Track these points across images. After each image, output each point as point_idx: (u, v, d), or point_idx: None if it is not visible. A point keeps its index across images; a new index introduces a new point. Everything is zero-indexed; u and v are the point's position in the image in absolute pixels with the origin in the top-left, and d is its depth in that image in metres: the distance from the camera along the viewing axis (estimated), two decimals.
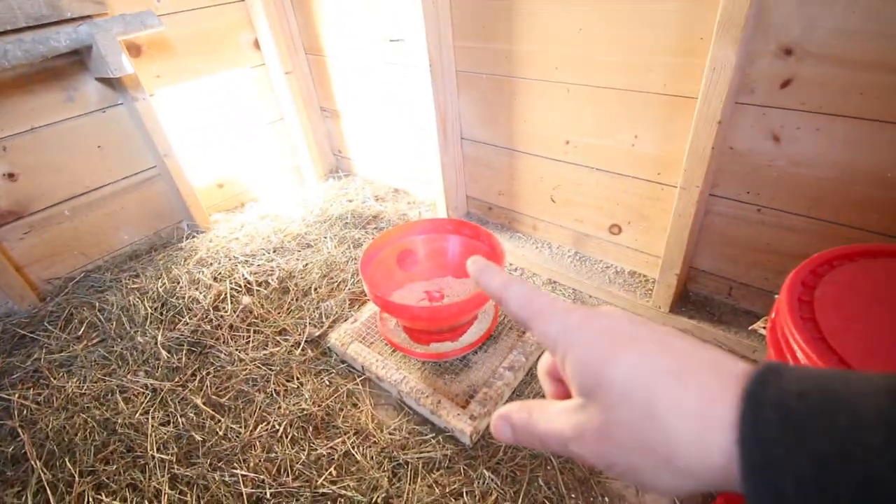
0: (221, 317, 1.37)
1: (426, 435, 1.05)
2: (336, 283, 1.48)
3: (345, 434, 1.05)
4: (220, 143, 1.83)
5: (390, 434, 1.05)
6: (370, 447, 1.03)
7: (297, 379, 1.19)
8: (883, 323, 0.60)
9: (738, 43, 0.87)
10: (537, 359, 1.17)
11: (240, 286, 1.47)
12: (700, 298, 1.24)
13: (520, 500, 0.91)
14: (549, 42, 1.18)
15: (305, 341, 1.28)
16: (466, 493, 0.93)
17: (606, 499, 0.91)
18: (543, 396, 0.29)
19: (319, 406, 1.12)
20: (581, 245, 1.44)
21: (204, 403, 1.13)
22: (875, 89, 0.83)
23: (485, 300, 1.10)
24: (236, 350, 1.27)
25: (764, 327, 0.99)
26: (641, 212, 1.25)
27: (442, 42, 1.35)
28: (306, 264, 1.57)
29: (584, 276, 1.36)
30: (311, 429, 1.07)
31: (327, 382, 1.18)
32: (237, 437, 1.06)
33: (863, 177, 0.91)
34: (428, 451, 1.01)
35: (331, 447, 1.03)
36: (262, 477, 0.98)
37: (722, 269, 1.18)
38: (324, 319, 1.35)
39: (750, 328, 1.12)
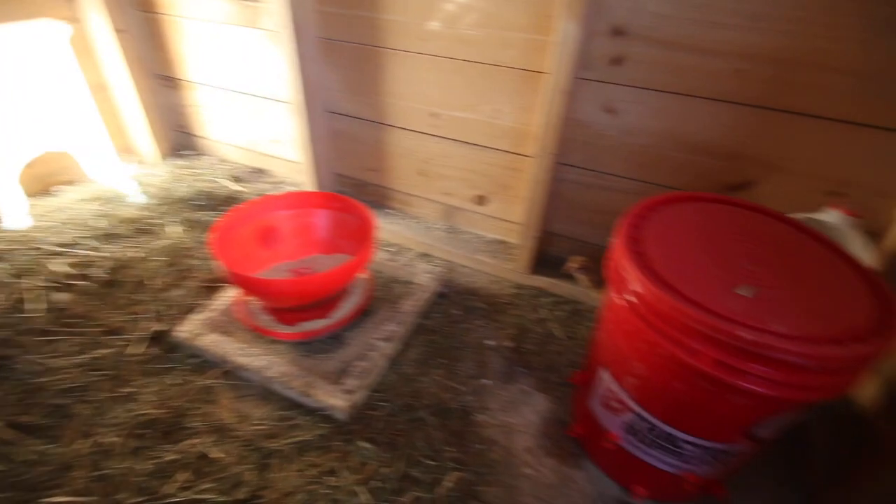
0: (25, 320, 1.12)
1: (297, 419, 0.98)
2: (184, 271, 1.31)
3: (198, 434, 0.93)
4: (23, 114, 1.48)
5: (255, 425, 0.96)
6: (230, 443, 0.92)
7: (133, 382, 1.02)
8: (692, 250, 0.72)
9: (579, 20, 0.96)
10: (412, 326, 1.17)
11: (53, 282, 1.21)
12: (555, 259, 1.36)
13: (398, 464, 0.90)
14: (414, 12, 1.18)
15: (148, 338, 1.11)
16: (344, 468, 0.89)
17: (479, 446, 0.94)
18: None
19: (165, 409, 0.97)
20: (451, 218, 1.48)
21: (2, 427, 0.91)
22: (688, 68, 0.99)
23: (356, 270, 1.07)
24: (48, 358, 1.04)
25: (573, 266, 1.13)
26: (504, 182, 1.32)
27: (304, 4, 1.26)
28: (145, 252, 1.36)
29: (454, 247, 1.40)
30: (155, 435, 0.92)
31: (176, 381, 1.03)
32: (53, 459, 0.87)
33: (677, 144, 1.08)
34: (299, 435, 0.94)
35: (180, 451, 0.90)
36: (90, 499, 0.82)
37: (573, 232, 1.31)
38: (171, 312, 1.18)
39: (562, 269, 1.26)
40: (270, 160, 1.75)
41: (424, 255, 1.44)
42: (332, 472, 0.89)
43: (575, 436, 0.95)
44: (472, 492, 0.87)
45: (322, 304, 1.12)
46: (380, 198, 1.58)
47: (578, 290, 1.27)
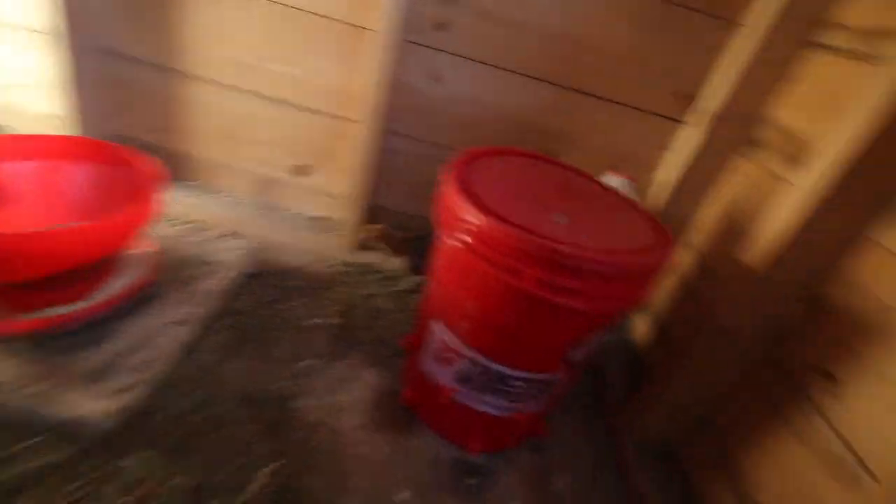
0: None
1: (37, 438, 0.70)
2: None
3: None
4: None
5: None
6: None
7: None
8: (513, 190, 0.75)
9: None
10: (215, 308, 0.97)
11: None
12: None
13: (193, 473, 0.70)
14: None
15: None
16: (111, 490, 0.66)
17: (300, 433, 0.81)
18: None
19: None
20: (267, 191, 1.30)
21: None
22: (503, 42, 1.05)
23: (118, 231, 0.83)
24: None
25: (369, 237, 1.14)
26: (328, 150, 1.22)
27: None
28: None
29: (271, 224, 1.23)
30: None
31: None
32: None
33: (497, 116, 1.13)
34: (35, 461, 0.67)
35: None
36: None
37: (403, 205, 1.28)
38: None
39: (360, 241, 1.24)
40: (9, 113, 1.30)
41: (233, 235, 1.23)
42: (86, 500, 0.65)
43: (408, 404, 0.90)
44: (289, 485, 0.73)
45: (74, 280, 0.84)
46: (173, 167, 1.30)
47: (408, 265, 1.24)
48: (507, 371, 0.74)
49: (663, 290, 1.15)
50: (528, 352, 0.72)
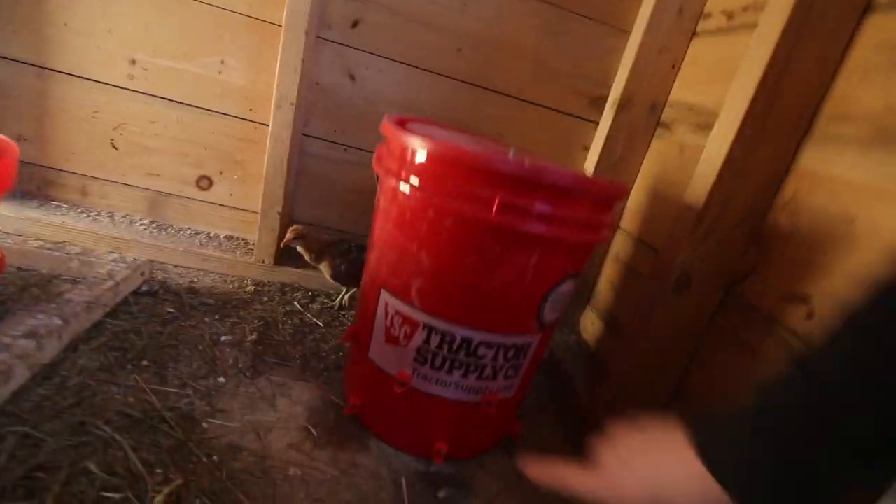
0: None
1: None
2: None
3: None
4: None
5: None
6: None
7: None
8: (450, 135, 0.69)
9: None
10: (87, 323, 0.74)
11: None
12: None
13: None
14: None
15: None
16: None
17: (215, 457, 0.61)
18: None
19: None
20: (160, 210, 1.12)
21: None
22: (417, 40, 1.05)
23: None
24: None
25: (290, 237, 0.99)
26: (235, 157, 1.09)
27: None
28: None
29: (167, 246, 1.04)
30: None
31: None
32: None
33: (419, 115, 1.11)
34: None
35: None
36: None
37: (321, 217, 1.16)
38: None
39: (282, 245, 1.03)
40: None
41: (115, 253, 1.01)
42: None
43: (354, 412, 0.73)
44: None
45: None
46: (38, 184, 1.07)
47: (332, 284, 1.10)
48: (474, 335, 0.64)
49: (605, 281, 1.15)
50: (497, 308, 0.63)
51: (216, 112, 1.06)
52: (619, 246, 1.11)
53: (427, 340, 0.65)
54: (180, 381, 0.72)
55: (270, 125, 1.00)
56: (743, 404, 0.36)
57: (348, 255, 1.00)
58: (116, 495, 0.51)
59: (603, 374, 1.00)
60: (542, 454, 0.78)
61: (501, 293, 0.62)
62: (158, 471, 0.56)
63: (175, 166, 1.08)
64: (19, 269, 0.84)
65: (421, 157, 0.60)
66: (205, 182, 1.11)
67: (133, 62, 1.00)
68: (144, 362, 0.73)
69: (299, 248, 1.00)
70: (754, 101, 0.78)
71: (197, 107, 1.05)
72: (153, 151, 1.07)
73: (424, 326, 0.64)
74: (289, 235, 0.97)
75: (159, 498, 0.51)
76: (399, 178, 0.62)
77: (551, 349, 1.07)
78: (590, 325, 1.16)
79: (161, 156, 1.07)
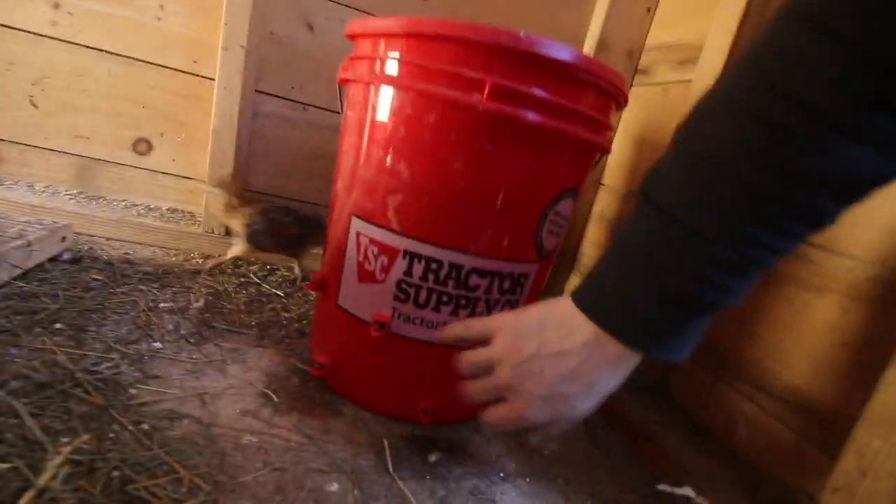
0: None
1: None
2: None
3: None
4: None
5: None
6: None
7: None
8: None
9: None
10: None
11: None
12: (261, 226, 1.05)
13: None
14: None
15: None
16: None
17: (145, 425, 0.48)
18: None
19: None
20: (90, 179, 0.97)
21: None
22: None
23: None
24: None
25: (222, 208, 0.88)
26: (177, 117, 0.97)
27: None
28: None
29: (98, 216, 0.89)
30: None
31: None
32: None
33: None
34: None
35: None
36: None
37: (279, 187, 1.04)
38: None
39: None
40: None
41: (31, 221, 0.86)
42: None
43: (323, 373, 0.61)
44: (123, 491, 0.40)
45: None
46: None
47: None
48: (465, 260, 0.54)
49: (590, 244, 1.08)
50: (489, 224, 0.54)
51: (155, 64, 0.93)
52: (603, 203, 1.05)
53: (409, 271, 0.55)
54: (104, 345, 0.58)
55: (218, 71, 0.89)
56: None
57: (269, 214, 0.85)
58: (2, 465, 0.38)
59: None
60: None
61: (494, 204, 0.53)
62: (65, 439, 0.43)
63: (108, 128, 0.95)
64: None
65: (398, 40, 0.51)
66: (143, 146, 0.97)
67: (56, 6, 0.87)
68: (58, 325, 0.59)
69: (230, 219, 0.87)
70: (742, 23, 0.75)
71: (132, 58, 0.92)
72: (81, 111, 0.93)
73: (405, 254, 0.54)
74: (221, 208, 0.87)
75: (57, 460, 0.37)
76: (372, 76, 0.53)
77: None
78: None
79: (91, 116, 0.93)
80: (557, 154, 0.53)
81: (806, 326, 0.60)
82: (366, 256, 0.57)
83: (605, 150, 0.60)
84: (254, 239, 0.85)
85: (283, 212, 0.87)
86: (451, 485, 0.52)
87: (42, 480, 0.36)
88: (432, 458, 0.56)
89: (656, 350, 0.36)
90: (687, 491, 0.45)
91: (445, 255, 0.54)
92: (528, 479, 0.56)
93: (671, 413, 0.71)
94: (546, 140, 0.51)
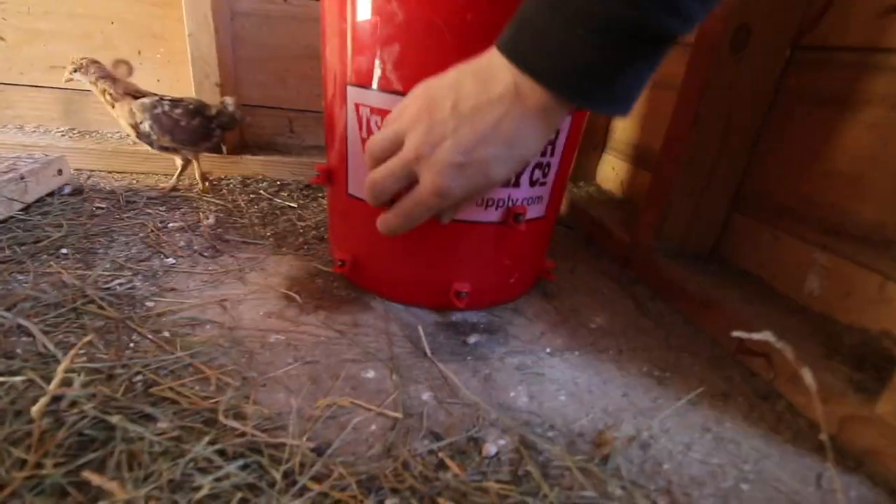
0: None
1: None
2: None
3: None
4: None
5: None
6: None
7: None
8: None
9: None
10: None
11: None
12: (262, 143, 0.99)
13: None
14: None
15: None
16: None
17: (166, 333, 0.45)
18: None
19: None
20: (78, 113, 0.92)
21: None
22: None
23: None
24: None
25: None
26: (152, 30, 0.88)
27: None
28: None
29: (89, 146, 0.85)
30: None
31: None
32: None
33: None
34: None
35: None
36: None
37: (274, 97, 0.96)
38: None
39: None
40: None
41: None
42: None
43: (345, 270, 0.57)
44: (147, 394, 0.38)
45: None
46: None
47: (307, 164, 0.92)
48: None
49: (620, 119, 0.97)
50: None
51: None
52: None
53: None
54: (115, 264, 0.55)
55: None
56: None
57: (153, 110, 0.73)
58: (16, 378, 0.36)
59: (641, 203, 0.85)
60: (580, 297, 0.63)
61: None
62: (81, 352, 0.40)
63: (81, 52, 0.87)
64: None
65: None
66: (123, 68, 0.90)
67: None
68: (64, 250, 0.56)
69: (91, 87, 0.74)
70: None
71: None
72: (49, 36, 0.85)
73: None
74: (68, 68, 0.73)
75: (63, 364, 0.35)
76: None
77: (571, 202, 0.91)
78: (610, 170, 0.99)
79: (60, 40, 0.86)
80: None
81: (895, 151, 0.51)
82: (369, 130, 0.50)
83: None
84: (147, 139, 0.75)
85: (170, 104, 0.75)
86: (496, 363, 0.49)
87: (52, 386, 0.34)
88: (472, 340, 0.52)
89: (587, 97, 0.30)
90: (766, 335, 0.40)
91: None
92: (576, 353, 0.53)
93: (728, 277, 0.65)
94: None
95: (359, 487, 0.33)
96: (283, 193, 0.87)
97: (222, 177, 0.89)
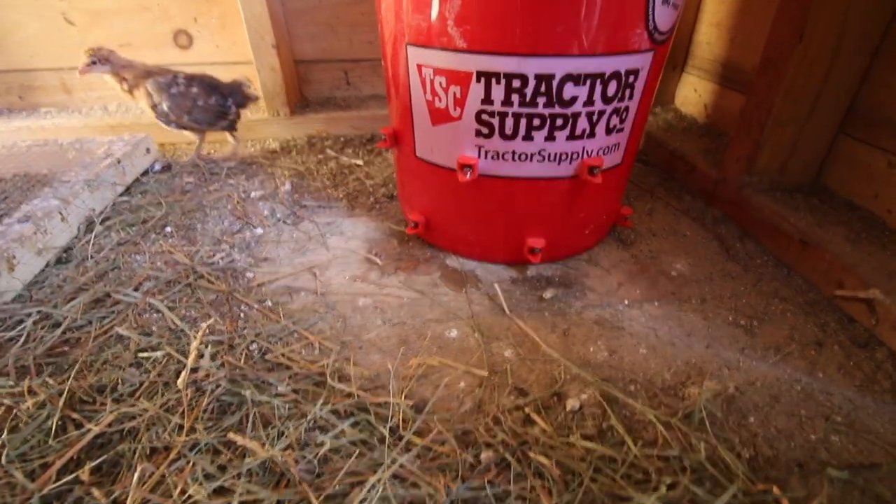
0: None
1: None
2: None
3: None
4: None
5: None
6: None
7: None
8: None
9: None
10: (91, 203, 0.64)
11: None
12: (321, 99, 0.99)
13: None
14: None
15: None
16: None
17: (268, 302, 0.50)
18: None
19: None
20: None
21: None
22: None
23: None
24: None
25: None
26: None
27: None
28: None
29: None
30: None
31: None
32: None
33: None
34: None
35: None
36: None
37: (328, 50, 0.95)
38: None
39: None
40: None
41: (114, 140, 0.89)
42: None
43: (418, 231, 0.59)
44: (264, 360, 0.43)
45: None
46: (19, 91, 0.95)
47: (366, 117, 0.92)
48: (554, 65, 0.43)
49: (708, 26, 0.86)
50: (579, 8, 0.41)
51: None
52: None
53: (487, 97, 0.46)
54: (213, 238, 0.61)
55: None
56: None
57: (170, 90, 0.73)
58: (157, 353, 0.42)
59: (731, 133, 0.78)
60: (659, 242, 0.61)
61: None
62: (203, 324, 0.46)
63: (143, 26, 0.90)
64: (18, 175, 0.75)
65: None
66: (183, 38, 0.92)
67: None
68: (168, 229, 0.62)
69: (108, 79, 0.74)
70: None
71: None
72: (112, 14, 0.88)
73: (479, 76, 0.45)
74: (84, 59, 0.71)
75: (195, 342, 0.40)
76: None
77: (646, 133, 0.85)
78: (692, 92, 0.90)
79: (122, 17, 0.88)
80: None
81: None
82: (434, 92, 0.48)
83: None
84: (167, 121, 0.75)
85: (186, 83, 0.75)
86: (573, 317, 0.50)
87: (190, 361, 0.39)
88: (548, 294, 0.53)
89: None
90: (874, 293, 0.37)
91: (528, 66, 0.43)
92: (656, 303, 0.52)
93: (832, 212, 0.59)
94: None
95: (457, 442, 0.37)
96: (348, 150, 0.88)
97: (289, 138, 0.92)
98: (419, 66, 0.48)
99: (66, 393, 0.38)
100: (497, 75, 0.44)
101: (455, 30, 0.44)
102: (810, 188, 0.64)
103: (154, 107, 0.74)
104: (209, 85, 0.76)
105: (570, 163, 0.50)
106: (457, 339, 0.47)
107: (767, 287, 0.54)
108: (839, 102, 0.59)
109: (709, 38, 0.84)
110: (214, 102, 0.76)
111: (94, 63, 0.71)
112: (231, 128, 0.81)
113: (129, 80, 0.74)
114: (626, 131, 0.51)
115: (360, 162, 0.83)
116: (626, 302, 0.52)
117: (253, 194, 0.72)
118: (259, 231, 0.63)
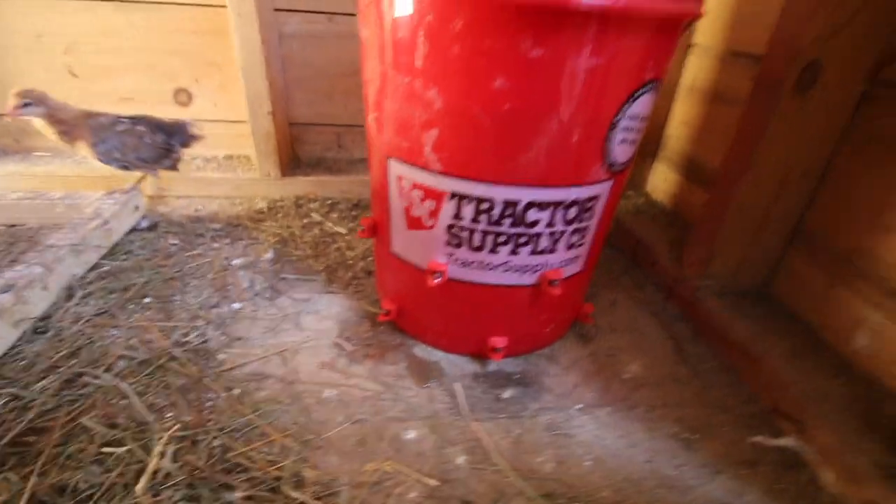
0: None
1: None
2: None
3: None
4: None
5: None
6: None
7: None
8: None
9: None
10: (74, 269, 0.66)
11: None
12: (313, 160, 1.03)
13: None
14: None
15: None
16: None
17: (236, 390, 0.52)
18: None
19: None
20: None
21: None
22: None
23: None
24: None
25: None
26: (206, 58, 0.92)
27: None
28: None
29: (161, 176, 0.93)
30: None
31: None
32: None
33: None
34: None
35: None
36: None
37: (323, 115, 0.99)
38: None
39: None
40: None
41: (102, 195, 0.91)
42: None
43: (391, 318, 0.62)
44: (224, 460, 0.44)
45: None
46: (15, 134, 0.97)
47: (354, 182, 0.96)
48: (520, 194, 0.47)
49: (678, 123, 0.92)
50: (543, 150, 0.46)
51: (168, 2, 0.87)
52: (696, 70, 0.86)
53: (458, 214, 0.49)
54: (189, 313, 0.63)
55: (230, 5, 0.81)
56: None
57: (115, 127, 0.72)
58: (119, 449, 0.44)
59: (688, 235, 0.82)
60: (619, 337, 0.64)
61: (548, 124, 0.44)
62: (169, 415, 0.48)
63: (146, 83, 0.93)
64: (6, 226, 0.76)
65: None
66: (183, 96, 0.95)
67: None
68: (147, 300, 0.64)
69: (38, 124, 0.71)
70: None
71: (150, 1, 0.86)
72: (117, 71, 0.92)
73: (452, 195, 0.49)
74: (11, 101, 0.67)
75: (159, 446, 0.42)
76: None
77: (616, 217, 0.89)
78: (661, 181, 0.96)
79: (127, 74, 0.92)
80: (629, 42, 0.41)
81: None
82: (411, 202, 0.52)
83: (697, 16, 0.45)
84: (108, 158, 0.72)
85: (131, 122, 0.75)
86: (527, 422, 0.52)
87: (151, 466, 0.41)
88: (506, 394, 0.56)
89: None
90: (789, 441, 0.40)
91: (496, 192, 0.47)
92: (607, 409, 0.55)
93: (775, 320, 0.63)
94: (612, 27, 0.39)
95: None
96: (333, 215, 0.91)
97: (277, 198, 0.95)
98: (399, 178, 0.52)
99: (28, 490, 0.39)
100: (468, 197, 0.48)
101: (432, 155, 0.48)
102: (759, 296, 0.68)
103: (94, 145, 0.71)
104: (154, 124, 0.77)
105: (534, 273, 0.53)
106: (413, 442, 0.49)
107: (714, 395, 0.57)
108: (787, 222, 0.64)
109: (678, 133, 0.90)
110: (161, 140, 0.77)
111: (26, 105, 0.68)
112: (173, 167, 0.81)
113: (68, 121, 0.71)
114: (587, 245, 0.55)
115: (343, 230, 0.86)
116: (579, 406, 0.55)
117: (235, 262, 0.74)
118: (236, 306, 0.65)
